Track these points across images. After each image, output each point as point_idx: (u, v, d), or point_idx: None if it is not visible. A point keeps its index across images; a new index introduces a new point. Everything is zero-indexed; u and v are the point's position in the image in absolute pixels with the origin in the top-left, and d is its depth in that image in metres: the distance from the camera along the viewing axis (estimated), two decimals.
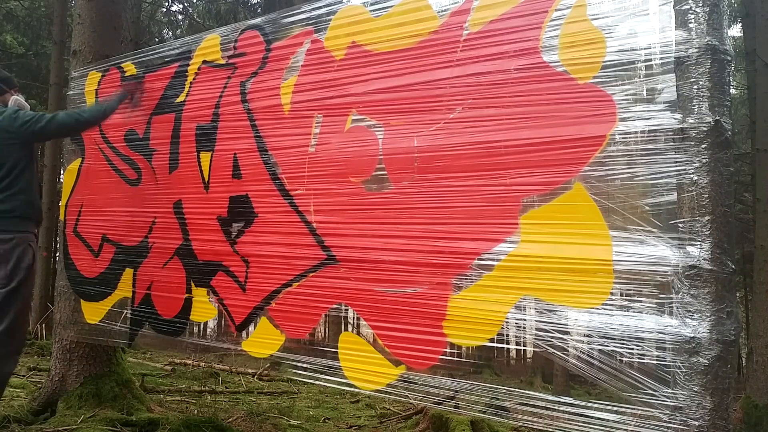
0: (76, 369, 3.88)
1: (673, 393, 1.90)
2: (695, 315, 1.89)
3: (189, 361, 7.82)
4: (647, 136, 2.00)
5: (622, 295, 2.02)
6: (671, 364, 1.92)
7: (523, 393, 2.24)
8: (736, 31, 12.71)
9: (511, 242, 2.21)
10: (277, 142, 2.95)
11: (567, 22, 2.17)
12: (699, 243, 1.91)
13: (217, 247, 3.13)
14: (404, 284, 2.46)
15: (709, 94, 1.94)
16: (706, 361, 1.86)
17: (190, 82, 3.38)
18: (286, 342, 2.86)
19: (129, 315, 3.58)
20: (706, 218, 1.91)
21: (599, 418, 2.01)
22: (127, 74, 3.77)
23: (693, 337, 1.88)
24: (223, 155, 3.17)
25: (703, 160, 1.92)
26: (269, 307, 2.90)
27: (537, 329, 2.12)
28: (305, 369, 2.74)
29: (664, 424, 1.90)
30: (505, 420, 2.70)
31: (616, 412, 1.99)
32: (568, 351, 2.07)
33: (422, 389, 2.43)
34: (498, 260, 2.22)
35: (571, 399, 2.10)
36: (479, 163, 2.30)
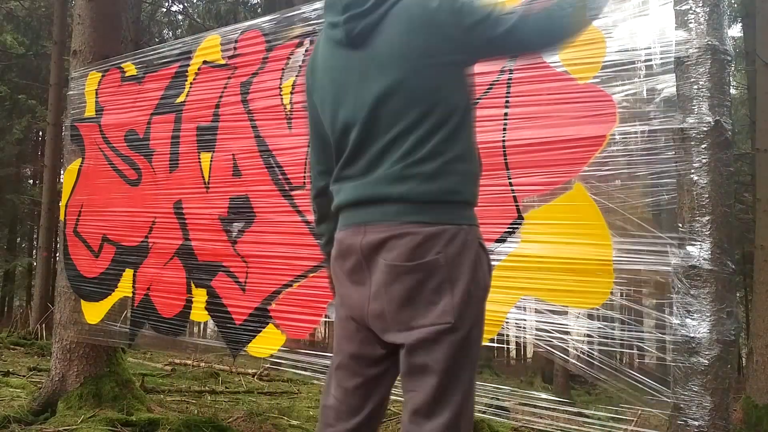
0: (76, 369, 3.88)
1: (673, 393, 1.90)
2: (695, 315, 1.89)
3: (189, 361, 7.81)
4: (647, 136, 2.00)
5: (622, 295, 2.02)
6: (671, 364, 1.92)
7: (523, 393, 2.24)
8: (736, 31, 12.70)
9: (511, 242, 2.21)
10: (277, 142, 2.95)
11: None
12: (699, 243, 1.91)
13: (218, 247, 3.13)
14: None
15: (709, 94, 1.94)
16: (706, 361, 1.86)
17: (191, 83, 3.38)
18: (287, 342, 2.86)
19: (129, 315, 3.58)
20: (706, 218, 1.91)
21: (599, 418, 2.01)
22: (127, 74, 3.77)
23: (693, 337, 1.88)
24: (223, 155, 3.17)
25: (703, 160, 1.92)
26: (270, 307, 2.90)
27: (537, 329, 2.13)
28: (305, 369, 2.73)
29: (664, 424, 1.90)
30: (505, 420, 2.70)
31: (616, 412, 1.99)
32: (568, 351, 2.07)
33: None
34: (498, 260, 2.22)
35: (571, 399, 2.10)
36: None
